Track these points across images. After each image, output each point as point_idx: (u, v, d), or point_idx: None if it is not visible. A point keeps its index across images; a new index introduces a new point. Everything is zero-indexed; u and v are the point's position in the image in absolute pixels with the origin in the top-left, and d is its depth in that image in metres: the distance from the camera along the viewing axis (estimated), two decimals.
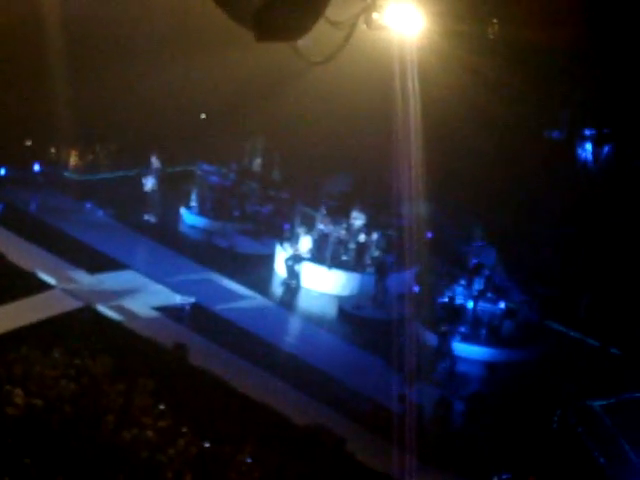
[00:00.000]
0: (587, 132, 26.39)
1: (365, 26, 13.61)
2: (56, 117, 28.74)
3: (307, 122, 29.14)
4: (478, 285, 23.65)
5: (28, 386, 16.00)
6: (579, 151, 26.46)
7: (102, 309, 21.81)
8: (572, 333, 23.80)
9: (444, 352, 22.26)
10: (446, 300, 23.32)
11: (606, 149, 26.15)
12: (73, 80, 28.82)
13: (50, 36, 28.08)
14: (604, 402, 19.92)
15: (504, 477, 17.61)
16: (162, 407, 16.46)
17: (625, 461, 18.21)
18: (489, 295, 23.54)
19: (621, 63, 23.33)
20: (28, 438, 14.49)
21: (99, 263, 24.52)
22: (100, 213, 28.69)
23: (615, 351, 22.76)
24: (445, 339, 22.36)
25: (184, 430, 16.00)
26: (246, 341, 21.79)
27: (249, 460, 15.21)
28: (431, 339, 22.87)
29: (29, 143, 30.73)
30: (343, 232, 25.99)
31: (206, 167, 29.49)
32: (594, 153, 26.21)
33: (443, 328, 22.53)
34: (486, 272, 23.83)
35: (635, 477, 17.92)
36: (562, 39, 22.40)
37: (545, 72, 23.83)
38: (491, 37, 19.41)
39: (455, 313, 23.04)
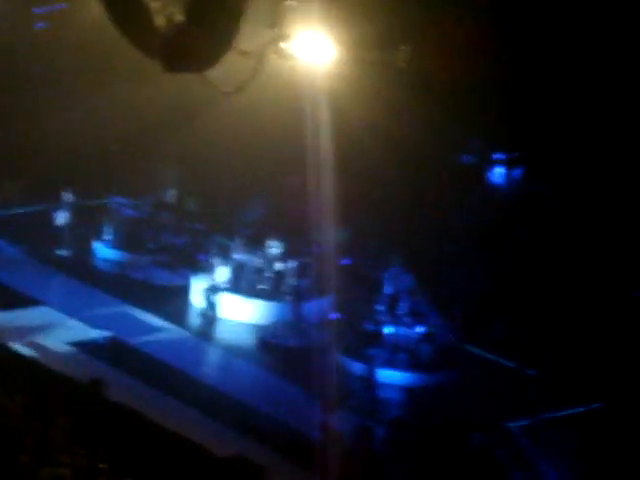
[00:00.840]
0: (498, 156, 26.80)
1: (276, 56, 13.70)
2: None
3: (221, 151, 29.13)
4: (396, 310, 23.79)
5: None
6: (490, 175, 26.84)
7: (15, 346, 21.44)
8: (488, 355, 24.04)
9: (369, 378, 22.32)
10: (369, 326, 23.40)
11: (516, 172, 26.57)
12: None
13: None
14: (521, 423, 20.13)
15: None
16: (80, 444, 16.23)
17: None
18: (407, 320, 23.68)
19: (530, 89, 23.76)
20: None
21: (11, 300, 24.11)
22: (11, 249, 28.24)
23: (530, 372, 23.04)
24: (370, 365, 22.41)
25: (103, 467, 15.78)
26: (164, 374, 21.61)
27: None
28: (350, 366, 22.92)
29: None
30: (260, 261, 25.96)
31: (119, 199, 29.26)
32: (504, 177, 26.61)
33: (366, 354, 22.60)
34: (404, 297, 23.99)
35: None
36: (471, 66, 22.75)
37: (455, 98, 24.15)
38: (401, 65, 19.61)
39: (377, 338, 23.14)
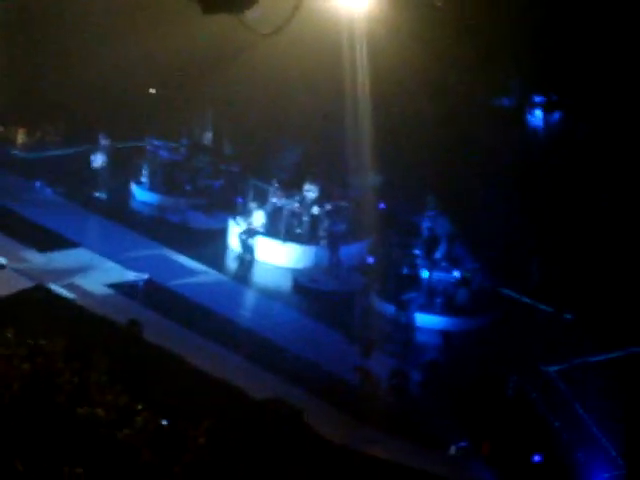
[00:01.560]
0: (537, 99, 26.49)
1: None
2: (2, 95, 28.40)
3: (258, 94, 29.01)
4: (433, 254, 23.72)
5: None
6: (529, 118, 26.56)
7: (54, 288, 21.62)
8: (525, 299, 23.97)
9: (403, 322, 22.33)
10: (405, 270, 23.34)
11: (555, 116, 26.29)
12: (19, 57, 28.50)
13: None
14: (558, 367, 20.10)
15: (461, 445, 17.74)
16: (118, 384, 16.38)
17: (579, 425, 18.40)
18: (443, 264, 23.62)
19: (569, 30, 23.43)
20: None
21: (50, 242, 24.32)
22: (49, 191, 28.39)
23: (568, 316, 22.96)
24: (405, 309, 22.41)
25: (140, 407, 15.94)
26: (201, 316, 21.72)
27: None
28: (386, 309, 22.94)
29: None
30: (296, 205, 25.92)
31: (156, 142, 29.25)
32: (544, 120, 26.33)
33: (403, 298, 22.59)
34: (441, 241, 23.90)
35: (589, 441, 18.12)
36: (511, 6, 22.45)
37: (494, 40, 23.84)
38: (439, 5, 19.38)
39: (414, 282, 23.09)
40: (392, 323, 22.45)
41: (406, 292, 22.79)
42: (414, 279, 23.21)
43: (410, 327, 22.32)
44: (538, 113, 26.29)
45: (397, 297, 22.73)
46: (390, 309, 22.81)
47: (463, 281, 23.34)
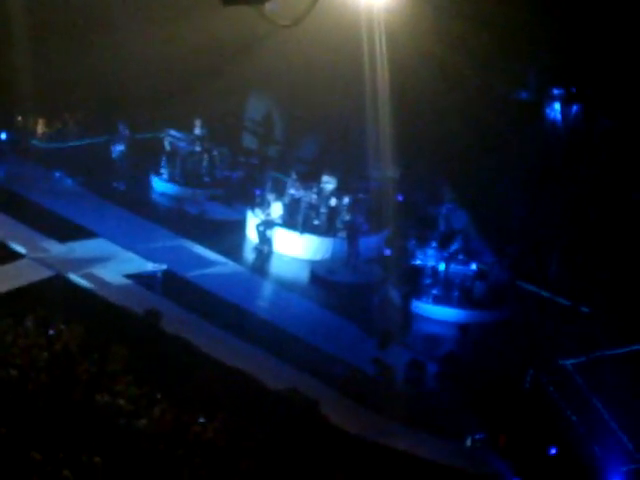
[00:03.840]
0: (555, 92, 26.38)
1: None
2: (22, 85, 28.50)
3: (276, 86, 29.05)
4: (450, 247, 23.69)
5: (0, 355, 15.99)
6: (547, 111, 26.46)
7: (73, 277, 21.76)
8: (543, 293, 23.93)
9: (404, 312, 22.30)
10: (423, 262, 23.32)
11: (574, 108, 26.18)
12: (40, 47, 28.57)
13: (14, 2, 27.81)
14: (575, 361, 20.07)
15: (477, 437, 17.77)
16: (135, 374, 16.48)
17: (597, 419, 18.39)
18: (460, 257, 23.59)
19: (587, 22, 23.32)
20: (2, 407, 14.48)
21: (69, 232, 24.42)
22: (69, 181, 28.52)
23: (585, 310, 22.92)
24: (405, 300, 22.38)
25: (158, 397, 16.04)
26: (218, 307, 21.80)
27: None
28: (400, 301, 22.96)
29: None
30: (314, 197, 25.93)
31: (174, 133, 29.30)
32: (563, 113, 26.22)
33: (403, 289, 22.58)
34: (458, 234, 23.88)
35: (607, 434, 18.11)
36: None
37: (511, 32, 23.78)
38: None
39: (415, 274, 23.06)
40: (399, 314, 22.41)
41: (411, 283, 22.77)
42: (419, 270, 23.18)
43: (412, 316, 22.23)
44: (557, 106, 26.18)
45: (400, 289, 22.71)
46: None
47: (480, 274, 23.33)
